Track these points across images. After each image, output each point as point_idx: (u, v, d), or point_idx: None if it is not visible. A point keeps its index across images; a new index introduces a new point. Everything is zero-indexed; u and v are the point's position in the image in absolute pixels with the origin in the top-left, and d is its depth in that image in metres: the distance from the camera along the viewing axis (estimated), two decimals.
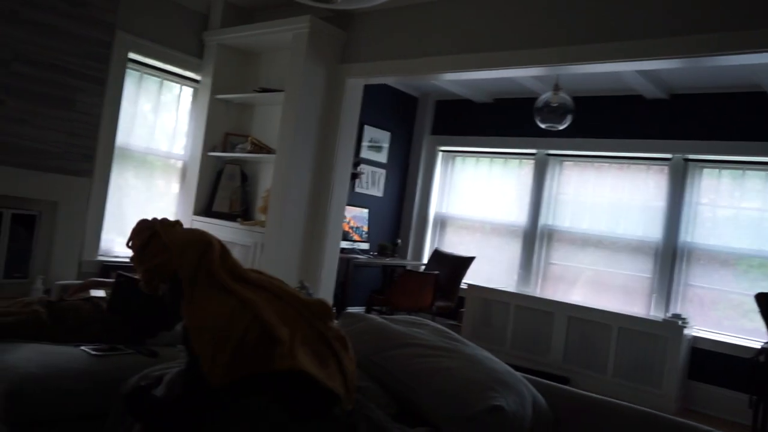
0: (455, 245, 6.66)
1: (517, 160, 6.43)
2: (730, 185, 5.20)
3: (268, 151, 4.72)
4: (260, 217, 4.70)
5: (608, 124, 5.69)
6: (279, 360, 1.63)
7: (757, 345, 4.13)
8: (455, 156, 6.93)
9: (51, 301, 2.94)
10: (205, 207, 4.94)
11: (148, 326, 2.83)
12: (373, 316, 2.50)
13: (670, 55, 3.22)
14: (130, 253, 2.07)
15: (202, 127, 4.95)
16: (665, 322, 4.88)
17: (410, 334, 2.30)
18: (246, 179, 5.02)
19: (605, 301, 5.56)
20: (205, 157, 4.92)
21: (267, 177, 4.85)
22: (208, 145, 4.94)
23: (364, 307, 5.90)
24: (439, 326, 2.48)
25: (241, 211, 4.90)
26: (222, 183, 4.97)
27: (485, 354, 2.31)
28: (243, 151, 4.82)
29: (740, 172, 5.15)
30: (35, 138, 3.92)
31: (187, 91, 5.14)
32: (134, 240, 2.02)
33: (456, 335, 2.41)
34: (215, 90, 4.95)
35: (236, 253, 4.52)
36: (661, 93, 5.29)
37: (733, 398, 4.72)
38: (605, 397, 2.19)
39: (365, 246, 6.20)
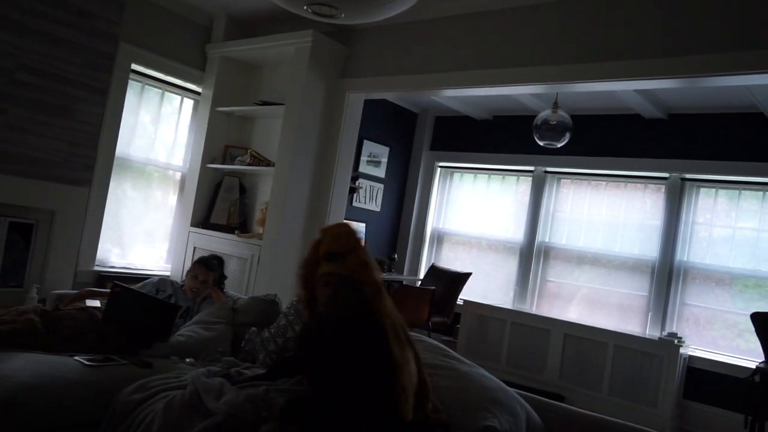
0: (452, 261, 6.66)
1: (515, 177, 6.46)
2: (726, 205, 5.23)
3: (267, 163, 4.73)
4: (258, 229, 4.70)
5: (606, 142, 5.73)
6: (433, 414, 1.94)
7: (753, 365, 4.13)
8: (453, 172, 6.96)
9: (46, 310, 2.93)
10: (203, 219, 4.94)
11: (143, 337, 2.82)
12: None
13: (667, 74, 3.26)
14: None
15: (201, 139, 4.97)
16: (661, 341, 4.88)
17: None
18: (244, 191, 5.03)
19: (601, 319, 5.56)
20: (204, 169, 4.94)
21: (266, 189, 4.86)
22: (208, 156, 4.96)
23: None
24: (434, 342, 2.48)
25: (239, 224, 4.90)
26: (220, 195, 4.98)
27: (480, 372, 2.30)
28: (242, 163, 4.84)
29: (736, 192, 5.17)
30: (36, 147, 3.93)
31: (188, 103, 5.16)
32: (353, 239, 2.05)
33: (451, 352, 2.41)
34: (216, 102, 4.97)
35: (233, 266, 4.53)
36: (659, 112, 5.33)
37: (728, 418, 4.70)
38: (599, 415, 2.19)
39: None
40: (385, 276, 6.09)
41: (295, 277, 2.20)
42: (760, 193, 5.06)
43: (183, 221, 4.98)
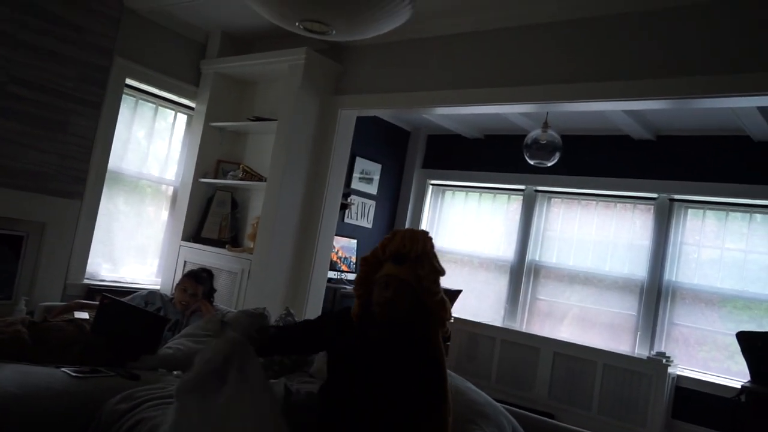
0: (443, 278, 6.65)
1: (506, 196, 6.50)
2: (714, 226, 5.28)
3: (260, 178, 4.75)
4: (249, 244, 4.71)
5: (596, 162, 5.78)
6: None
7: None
8: (445, 190, 7.00)
9: (34, 321, 2.93)
10: (194, 233, 4.94)
11: (131, 349, 2.82)
12: None
13: (656, 95, 3.31)
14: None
15: (194, 154, 4.99)
16: (650, 360, 4.89)
17: None
18: (236, 206, 5.04)
19: (592, 338, 5.57)
20: (196, 183, 4.95)
21: (257, 204, 4.87)
22: (200, 171, 4.97)
23: None
24: None
25: (230, 238, 4.90)
26: (212, 209, 4.99)
27: (467, 385, 2.32)
28: (234, 178, 4.85)
29: (724, 213, 5.23)
30: (27, 159, 3.93)
31: (182, 118, 5.19)
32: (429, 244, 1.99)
33: None
34: (209, 117, 5.00)
35: (223, 280, 4.53)
36: (648, 134, 5.40)
37: None
38: (586, 431, 2.20)
39: (353, 277, 6.20)
40: None
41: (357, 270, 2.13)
42: (747, 214, 5.11)
43: (174, 235, 4.98)
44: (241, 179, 4.81)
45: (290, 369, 2.89)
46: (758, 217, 5.08)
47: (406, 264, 1.93)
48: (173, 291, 3.72)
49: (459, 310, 6.06)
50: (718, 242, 5.22)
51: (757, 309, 4.93)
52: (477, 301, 6.40)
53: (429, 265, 1.95)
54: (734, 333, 4.28)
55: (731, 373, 4.90)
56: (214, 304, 3.59)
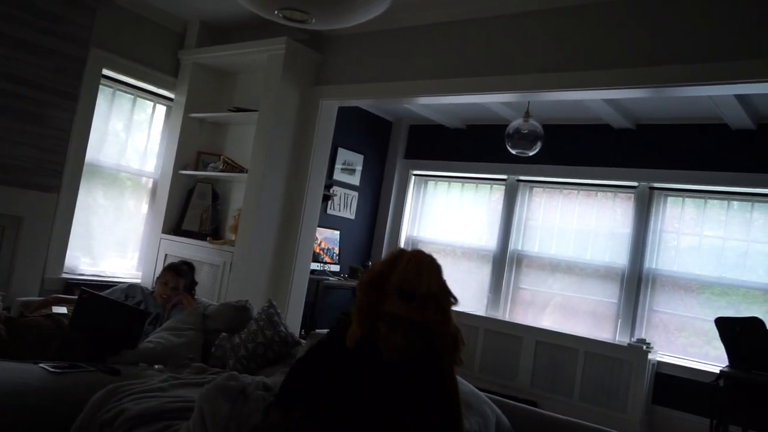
0: None
1: (488, 186, 6.52)
2: (693, 213, 5.34)
3: (241, 170, 4.71)
4: (230, 236, 4.67)
5: (577, 152, 5.81)
6: None
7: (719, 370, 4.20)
8: (427, 180, 7.00)
9: (11, 317, 2.88)
10: (175, 225, 4.89)
11: (111, 343, 2.79)
12: None
13: (636, 84, 3.32)
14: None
15: (174, 145, 4.92)
16: (630, 347, 4.95)
17: None
18: (217, 198, 5.00)
19: (574, 326, 5.62)
20: (176, 175, 4.89)
21: (239, 196, 4.83)
22: (180, 163, 4.91)
23: None
24: None
25: (211, 230, 4.86)
26: (193, 201, 4.93)
27: None
28: (215, 169, 4.80)
29: (702, 201, 5.29)
30: (3, 152, 3.86)
31: (161, 109, 5.12)
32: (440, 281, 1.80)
33: None
34: (189, 108, 4.93)
35: (205, 273, 4.49)
36: (628, 123, 5.43)
37: (695, 422, 4.78)
38: (567, 417, 2.21)
39: (336, 268, 6.19)
40: None
41: (356, 294, 1.87)
42: (725, 202, 5.18)
43: (154, 228, 4.92)
44: (221, 171, 4.76)
45: (273, 361, 2.88)
46: (735, 204, 5.14)
47: (414, 302, 1.73)
48: (154, 284, 3.68)
49: None
50: (696, 229, 5.29)
51: (734, 295, 5.01)
52: (460, 291, 6.31)
53: (439, 305, 1.77)
54: (713, 319, 4.34)
55: (710, 358, 4.98)
56: (196, 297, 3.56)
